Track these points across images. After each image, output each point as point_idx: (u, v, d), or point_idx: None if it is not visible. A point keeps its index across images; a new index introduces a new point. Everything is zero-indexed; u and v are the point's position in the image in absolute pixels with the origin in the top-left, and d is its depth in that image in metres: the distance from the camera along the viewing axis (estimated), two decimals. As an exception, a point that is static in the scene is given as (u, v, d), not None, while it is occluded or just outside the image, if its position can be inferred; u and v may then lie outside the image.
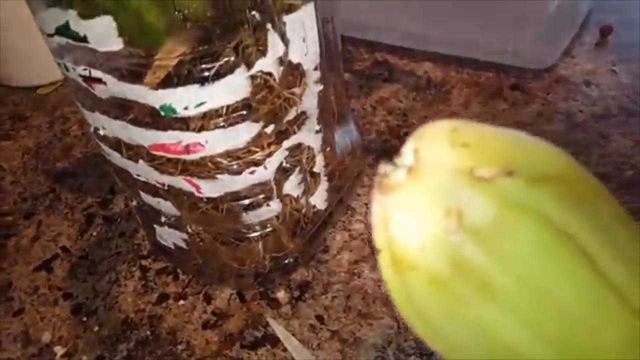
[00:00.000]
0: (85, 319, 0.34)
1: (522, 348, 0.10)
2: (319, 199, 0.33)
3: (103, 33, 0.22)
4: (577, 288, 0.10)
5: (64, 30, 0.23)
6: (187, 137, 0.25)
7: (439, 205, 0.09)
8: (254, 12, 0.23)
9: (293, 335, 0.31)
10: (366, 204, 0.38)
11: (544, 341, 0.10)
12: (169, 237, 0.33)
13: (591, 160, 0.39)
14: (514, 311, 0.10)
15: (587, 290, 0.10)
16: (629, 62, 0.47)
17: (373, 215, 0.10)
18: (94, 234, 0.39)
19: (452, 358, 0.11)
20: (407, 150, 0.10)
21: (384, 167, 0.10)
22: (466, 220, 0.09)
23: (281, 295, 0.33)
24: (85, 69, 0.24)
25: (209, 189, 0.28)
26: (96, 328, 0.33)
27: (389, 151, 0.42)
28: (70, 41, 0.23)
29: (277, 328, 0.31)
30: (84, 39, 0.22)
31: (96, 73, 0.24)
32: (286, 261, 0.33)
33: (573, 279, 0.10)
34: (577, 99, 0.44)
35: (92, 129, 0.29)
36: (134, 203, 0.33)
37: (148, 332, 0.32)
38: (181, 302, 0.34)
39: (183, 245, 0.32)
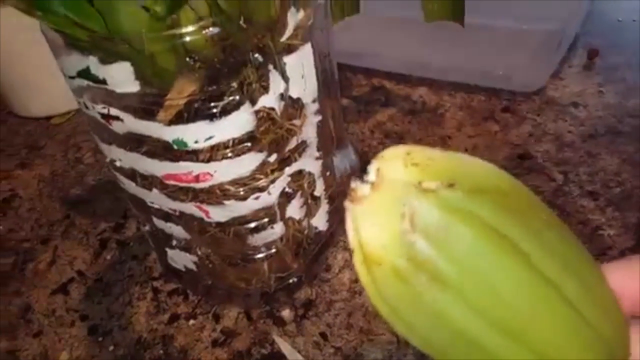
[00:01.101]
0: (101, 339, 0.35)
1: (474, 333, 0.12)
2: (320, 221, 0.35)
3: (121, 76, 0.24)
4: (512, 278, 0.12)
5: (84, 74, 0.25)
6: (197, 168, 0.27)
7: (396, 211, 0.12)
8: (256, 55, 0.25)
9: (298, 352, 0.33)
10: (366, 225, 0.40)
11: (492, 326, 0.12)
12: (180, 259, 0.35)
13: (580, 179, 0.41)
14: (462, 298, 0.12)
15: (522, 280, 0.12)
16: (615, 84, 0.49)
17: (347, 223, 0.12)
18: (108, 257, 0.41)
19: (421, 346, 0.13)
20: (371, 169, 0.12)
21: (353, 183, 0.12)
22: (417, 222, 0.12)
23: (286, 313, 0.35)
24: (104, 107, 0.26)
25: (217, 214, 0.30)
26: (111, 348, 0.35)
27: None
28: (91, 83, 0.25)
29: (283, 345, 0.33)
30: (104, 82, 0.25)
31: (114, 111, 0.26)
32: (290, 281, 0.35)
33: (509, 270, 0.12)
34: (566, 119, 0.46)
35: (108, 160, 0.31)
36: (147, 228, 0.35)
37: (161, 351, 0.34)
38: (191, 321, 0.35)
39: (193, 267, 0.34)
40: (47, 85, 0.53)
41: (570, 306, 0.12)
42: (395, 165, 0.12)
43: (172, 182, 0.28)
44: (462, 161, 0.13)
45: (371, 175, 0.12)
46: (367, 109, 0.51)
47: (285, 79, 0.27)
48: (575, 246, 0.13)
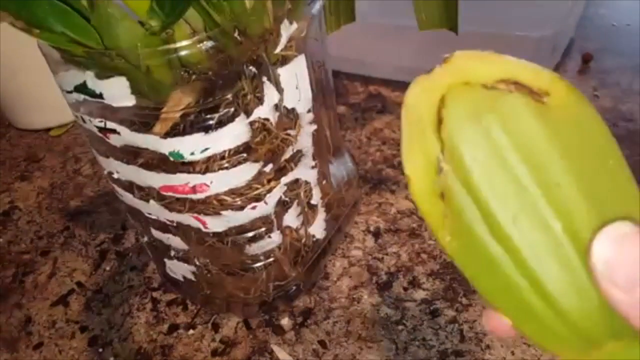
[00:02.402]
0: (101, 350, 0.36)
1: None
2: (317, 229, 0.35)
3: (117, 91, 0.24)
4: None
5: (82, 88, 0.25)
6: (194, 179, 0.27)
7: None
8: (250, 67, 0.25)
9: None
10: (364, 231, 0.40)
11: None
12: (178, 269, 0.35)
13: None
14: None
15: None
16: (609, 88, 0.49)
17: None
18: (107, 268, 0.41)
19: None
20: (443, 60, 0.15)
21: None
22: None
23: (285, 322, 0.35)
24: (101, 121, 0.27)
25: (215, 224, 0.30)
26: (112, 359, 0.35)
27: (385, 180, 0.44)
28: (88, 98, 0.25)
29: (282, 354, 0.33)
30: (100, 96, 0.25)
31: (111, 124, 0.26)
32: (289, 289, 0.35)
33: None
34: (561, 124, 0.46)
35: (106, 172, 0.31)
36: (145, 239, 0.35)
37: (160, 361, 0.34)
38: (191, 331, 0.36)
39: (191, 277, 0.35)
40: (46, 98, 0.54)
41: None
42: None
43: (169, 194, 0.28)
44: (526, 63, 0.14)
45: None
46: (364, 116, 0.52)
47: (280, 90, 0.27)
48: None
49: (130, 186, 0.30)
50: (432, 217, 0.14)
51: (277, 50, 0.27)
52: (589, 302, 0.13)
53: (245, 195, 0.29)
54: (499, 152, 0.14)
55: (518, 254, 0.13)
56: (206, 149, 0.26)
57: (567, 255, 0.13)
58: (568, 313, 0.13)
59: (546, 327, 0.14)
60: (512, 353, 0.31)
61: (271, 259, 0.33)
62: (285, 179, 0.31)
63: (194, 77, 0.26)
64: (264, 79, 0.26)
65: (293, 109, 0.29)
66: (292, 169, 0.31)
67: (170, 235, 0.32)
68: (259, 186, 0.29)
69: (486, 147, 0.14)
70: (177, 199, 0.29)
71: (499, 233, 0.14)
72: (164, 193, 0.28)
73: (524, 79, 0.14)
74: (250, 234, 0.31)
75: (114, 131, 0.27)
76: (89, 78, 0.25)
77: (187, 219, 0.30)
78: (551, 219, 0.13)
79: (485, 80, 0.14)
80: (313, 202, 0.34)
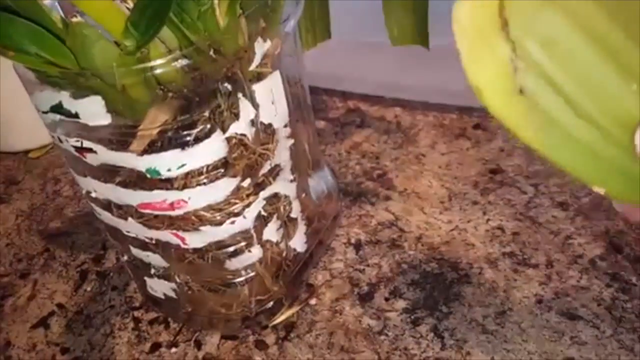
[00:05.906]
0: (82, 372, 0.35)
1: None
2: (298, 242, 0.36)
3: (93, 110, 0.25)
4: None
5: (57, 108, 0.25)
6: (172, 195, 0.27)
7: None
8: (226, 84, 0.26)
9: (281, 374, 0.33)
10: (345, 244, 0.41)
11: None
12: (159, 287, 0.35)
13: (550, 190, 0.42)
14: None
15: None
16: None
17: None
18: (88, 289, 0.41)
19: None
20: None
21: None
22: None
23: (268, 336, 0.35)
24: (77, 140, 0.27)
25: (194, 240, 0.30)
26: (93, 380, 0.34)
27: (365, 193, 0.45)
28: (63, 117, 0.26)
29: (265, 368, 0.33)
30: (76, 116, 0.25)
31: (87, 143, 0.27)
32: (271, 303, 0.35)
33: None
34: (534, 133, 0.47)
35: (84, 192, 0.31)
36: (125, 257, 0.35)
37: (143, 381, 0.34)
38: (173, 349, 0.35)
39: (172, 294, 0.34)
40: (24, 119, 0.54)
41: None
42: None
43: (147, 211, 0.28)
44: None
45: None
46: (344, 131, 0.53)
47: (255, 105, 0.28)
48: None
49: (108, 205, 0.30)
50: (511, 119, 0.15)
51: (252, 67, 0.27)
52: None
53: (224, 210, 0.29)
54: (566, 38, 0.14)
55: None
56: (183, 165, 0.26)
57: None
58: None
59: None
60: (492, 359, 0.31)
61: (252, 274, 0.33)
62: (264, 194, 0.31)
63: (170, 95, 0.26)
64: (240, 95, 0.27)
65: (270, 124, 0.29)
66: (270, 183, 0.31)
67: (149, 253, 0.32)
68: (237, 201, 0.30)
69: (556, 36, 0.14)
70: (156, 216, 0.29)
71: (585, 113, 0.14)
72: (142, 210, 0.29)
73: None
74: (230, 249, 0.31)
75: (90, 150, 0.27)
76: (65, 98, 0.25)
77: (166, 235, 0.30)
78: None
79: None
80: (293, 215, 0.34)
